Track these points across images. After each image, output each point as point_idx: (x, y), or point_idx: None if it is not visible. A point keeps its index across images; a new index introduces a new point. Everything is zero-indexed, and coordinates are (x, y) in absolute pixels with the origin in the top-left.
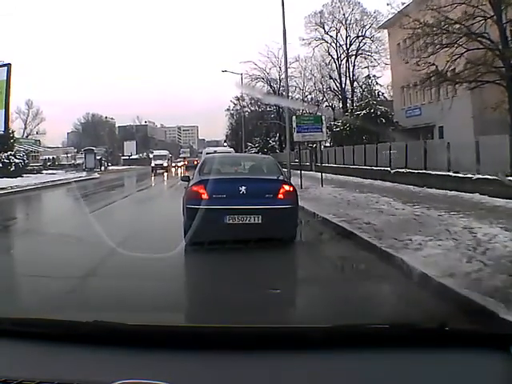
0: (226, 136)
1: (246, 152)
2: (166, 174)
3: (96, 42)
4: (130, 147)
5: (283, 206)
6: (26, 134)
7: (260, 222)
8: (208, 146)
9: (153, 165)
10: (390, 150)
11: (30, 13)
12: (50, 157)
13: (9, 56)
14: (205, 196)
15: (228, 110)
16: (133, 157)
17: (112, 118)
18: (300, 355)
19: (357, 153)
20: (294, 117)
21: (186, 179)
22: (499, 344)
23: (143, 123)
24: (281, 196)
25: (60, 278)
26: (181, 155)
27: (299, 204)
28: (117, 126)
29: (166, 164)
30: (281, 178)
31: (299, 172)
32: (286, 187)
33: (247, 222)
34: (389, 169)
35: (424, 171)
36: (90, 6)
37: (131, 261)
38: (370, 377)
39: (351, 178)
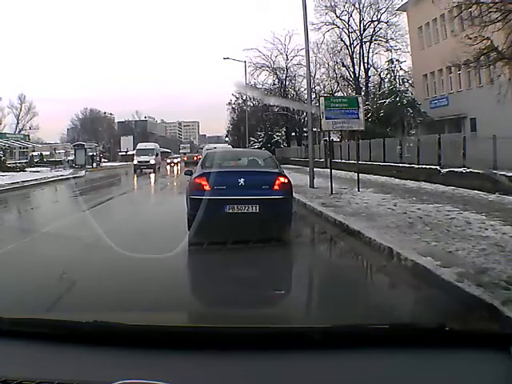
0: (228, 131)
1: (248, 148)
2: (154, 174)
3: (96, 37)
4: (126, 142)
5: (279, 196)
6: (18, 130)
7: (257, 211)
8: (209, 141)
9: (135, 162)
10: (440, 144)
11: (30, 9)
12: (39, 153)
13: (9, 53)
14: (207, 187)
15: (230, 104)
16: (130, 152)
17: (111, 114)
18: (300, 355)
19: (376, 147)
20: (321, 98)
21: (189, 173)
22: (499, 344)
23: (143, 118)
24: (276, 187)
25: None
26: (181, 151)
27: (342, 221)
28: (116, 121)
29: (153, 161)
30: (276, 170)
31: (309, 169)
32: (282, 179)
33: (245, 211)
34: (438, 167)
35: (495, 171)
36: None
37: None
38: (370, 377)
39: (382, 178)
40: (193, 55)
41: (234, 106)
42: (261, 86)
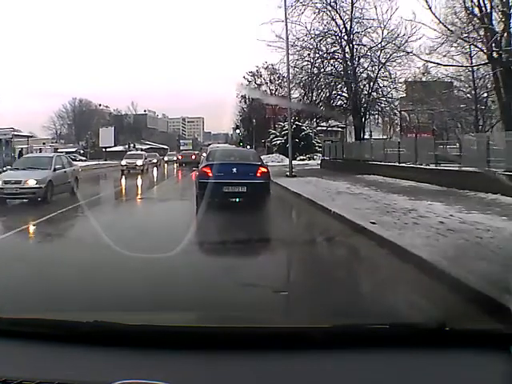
0: (237, 126)
1: (267, 144)
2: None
3: (97, 30)
4: (106, 135)
5: (260, 180)
6: None
7: (245, 190)
8: (214, 138)
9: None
10: None
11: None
12: None
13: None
14: (210, 174)
15: (239, 89)
16: (116, 148)
17: (107, 107)
18: (300, 355)
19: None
20: None
21: (196, 166)
22: (499, 344)
23: (142, 112)
24: (258, 174)
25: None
26: (181, 147)
27: None
28: (112, 114)
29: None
30: (259, 163)
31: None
32: (262, 169)
33: (237, 190)
34: None
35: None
36: None
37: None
38: (370, 377)
39: None
40: (199, 50)
41: (244, 93)
42: (306, 32)
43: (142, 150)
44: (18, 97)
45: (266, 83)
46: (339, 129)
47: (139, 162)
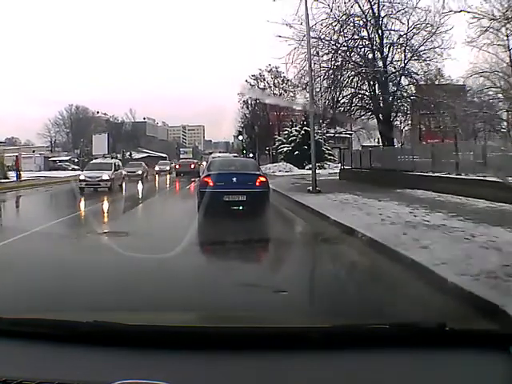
0: (239, 132)
1: (272, 152)
2: None
3: (96, 37)
4: (99, 143)
5: (259, 189)
6: None
7: (245, 199)
8: (215, 146)
9: None
10: None
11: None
12: None
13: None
14: (211, 183)
15: (241, 94)
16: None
17: (105, 114)
18: (300, 355)
19: None
20: None
21: (198, 175)
22: (499, 344)
23: (141, 120)
24: (258, 184)
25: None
26: (181, 156)
27: None
28: (109, 122)
29: None
30: (258, 172)
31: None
32: (262, 178)
33: (237, 199)
34: None
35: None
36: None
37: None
38: (370, 377)
39: None
40: (199, 57)
41: (247, 98)
42: (326, 15)
43: (120, 157)
44: (19, 103)
45: (270, 87)
46: (347, 135)
47: (105, 176)
